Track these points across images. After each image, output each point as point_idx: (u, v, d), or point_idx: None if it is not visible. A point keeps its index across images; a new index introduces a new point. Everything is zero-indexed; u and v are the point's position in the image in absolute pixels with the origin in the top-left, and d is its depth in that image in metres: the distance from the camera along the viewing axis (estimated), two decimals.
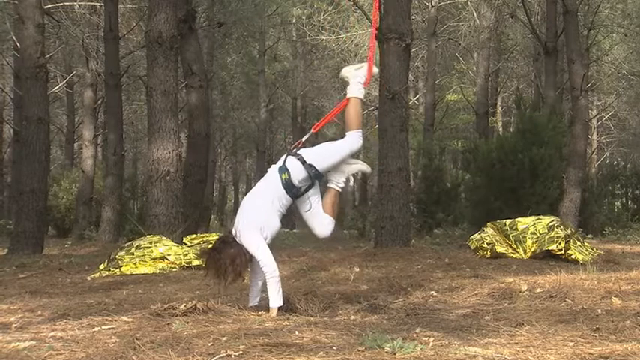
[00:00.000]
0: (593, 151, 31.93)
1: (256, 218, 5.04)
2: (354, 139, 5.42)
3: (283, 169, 5.14)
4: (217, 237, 5.48)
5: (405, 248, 10.58)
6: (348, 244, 14.64)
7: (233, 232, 5.08)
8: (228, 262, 4.93)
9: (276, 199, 5.11)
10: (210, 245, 5.26)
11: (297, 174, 5.14)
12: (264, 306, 5.07)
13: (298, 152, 5.23)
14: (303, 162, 5.16)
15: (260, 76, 30.73)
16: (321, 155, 5.30)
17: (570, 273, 6.82)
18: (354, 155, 5.54)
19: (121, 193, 19.29)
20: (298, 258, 9.88)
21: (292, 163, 5.17)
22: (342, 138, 5.45)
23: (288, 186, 5.12)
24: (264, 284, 5.06)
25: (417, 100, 29.54)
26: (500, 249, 9.42)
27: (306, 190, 5.21)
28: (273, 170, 5.19)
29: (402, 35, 11.05)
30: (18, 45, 15.30)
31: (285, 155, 5.26)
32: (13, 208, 22.02)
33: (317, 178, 5.25)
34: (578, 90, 15.69)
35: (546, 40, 18.43)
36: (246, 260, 4.98)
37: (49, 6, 18.32)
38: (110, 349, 3.89)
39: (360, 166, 5.56)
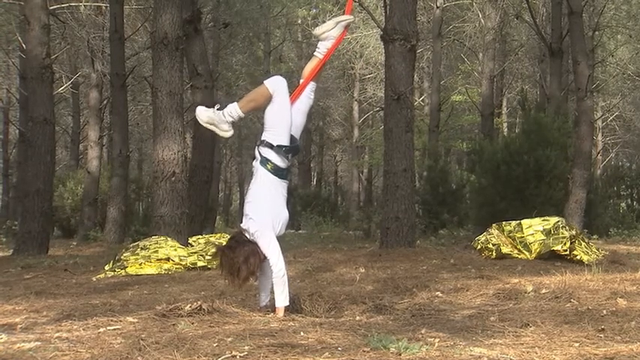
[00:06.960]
0: (599, 152, 31.88)
1: (266, 217, 5.06)
2: (268, 87, 5.32)
3: (264, 161, 5.17)
4: (231, 235, 5.47)
5: (411, 249, 10.58)
6: (354, 244, 14.62)
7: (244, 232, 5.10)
8: (241, 260, 4.95)
9: (273, 188, 5.16)
10: (223, 242, 5.26)
11: (276, 158, 5.17)
12: (273, 307, 5.07)
13: (262, 139, 5.23)
14: (272, 146, 5.17)
15: (265, 77, 30.72)
16: (276, 128, 5.24)
17: (576, 274, 6.81)
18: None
19: (127, 194, 19.32)
20: (303, 259, 9.88)
21: (266, 152, 5.18)
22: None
23: (278, 172, 5.18)
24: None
25: (422, 100, 29.54)
26: (505, 250, 9.41)
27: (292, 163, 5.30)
28: (257, 166, 5.21)
29: (408, 36, 11.05)
30: (24, 46, 15.36)
31: (256, 148, 5.26)
32: (18, 209, 22.05)
33: (292, 151, 5.29)
34: (584, 91, 15.63)
35: (551, 41, 18.41)
36: (259, 260, 5.00)
37: (55, 7, 18.35)
38: (115, 349, 3.89)
39: (337, 23, 5.52)
